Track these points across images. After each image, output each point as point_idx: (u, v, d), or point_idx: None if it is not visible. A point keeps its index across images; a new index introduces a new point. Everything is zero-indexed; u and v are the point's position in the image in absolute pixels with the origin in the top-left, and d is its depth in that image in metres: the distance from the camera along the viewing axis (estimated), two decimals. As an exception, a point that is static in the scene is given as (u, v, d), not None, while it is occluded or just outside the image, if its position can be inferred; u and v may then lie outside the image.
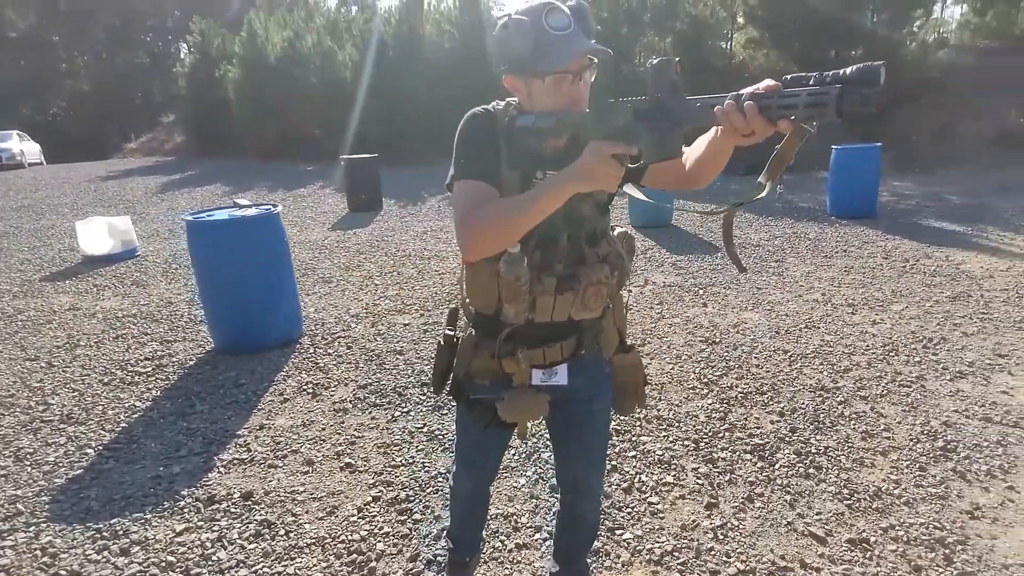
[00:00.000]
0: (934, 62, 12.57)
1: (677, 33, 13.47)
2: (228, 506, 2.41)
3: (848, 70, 0.83)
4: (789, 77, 0.90)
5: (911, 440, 2.69)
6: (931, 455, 2.57)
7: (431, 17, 15.88)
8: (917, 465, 2.51)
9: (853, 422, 2.85)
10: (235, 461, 2.72)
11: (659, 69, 1.01)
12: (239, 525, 2.30)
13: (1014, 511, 2.23)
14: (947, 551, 2.05)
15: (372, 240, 7.20)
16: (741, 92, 0.94)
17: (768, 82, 0.93)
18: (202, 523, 2.32)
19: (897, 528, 2.16)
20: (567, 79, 1.21)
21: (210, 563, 2.11)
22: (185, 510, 2.40)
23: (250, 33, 18.07)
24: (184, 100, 21.38)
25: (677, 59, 1.02)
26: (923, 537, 2.12)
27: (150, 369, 3.74)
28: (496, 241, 1.20)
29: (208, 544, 2.20)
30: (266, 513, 2.36)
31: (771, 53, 13.05)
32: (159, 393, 3.44)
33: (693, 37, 13.27)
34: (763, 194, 1.05)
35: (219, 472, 2.65)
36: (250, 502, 2.43)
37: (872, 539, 2.12)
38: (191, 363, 3.83)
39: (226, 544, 2.20)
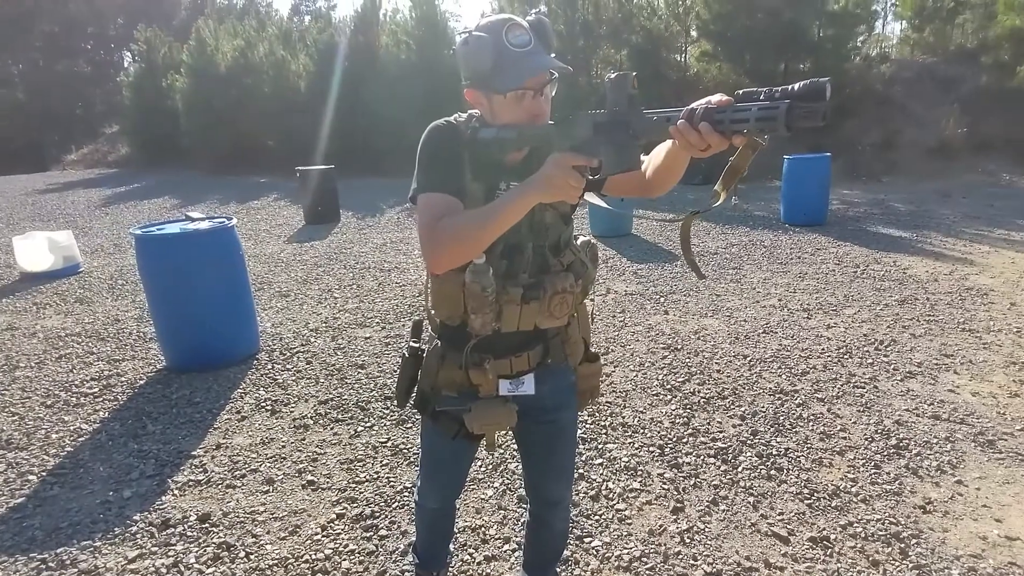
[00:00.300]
0: (877, 75, 13.20)
1: (633, 46, 13.76)
2: (184, 530, 2.31)
3: (796, 86, 0.86)
4: (741, 92, 0.93)
5: (866, 439, 2.79)
6: (885, 453, 2.67)
7: (387, 28, 15.81)
8: (872, 463, 2.60)
9: (811, 423, 2.94)
10: (191, 482, 2.62)
11: (617, 83, 1.05)
12: (196, 549, 2.20)
13: (963, 504, 2.33)
14: (902, 545, 2.13)
15: (330, 252, 7.08)
16: (695, 106, 0.97)
17: (719, 97, 0.96)
18: (156, 548, 2.22)
19: (855, 525, 2.23)
20: (528, 95, 1.23)
21: (166, 591, 2.02)
22: (138, 536, 2.29)
23: (199, 42, 17.63)
24: (129, 110, 20.62)
25: (634, 73, 1.05)
26: (880, 533, 2.19)
27: (97, 390, 3.57)
28: (462, 253, 1.20)
29: (163, 570, 2.10)
30: (225, 535, 2.27)
31: (723, 66, 13.47)
32: (107, 415, 3.28)
33: (648, 50, 13.58)
34: (719, 203, 1.08)
35: (174, 495, 2.54)
36: (207, 524, 2.34)
37: (832, 536, 2.18)
38: (141, 382, 3.68)
39: (183, 569, 2.11)
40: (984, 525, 2.21)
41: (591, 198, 1.28)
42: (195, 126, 17.28)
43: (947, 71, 12.66)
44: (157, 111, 18.73)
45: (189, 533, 2.29)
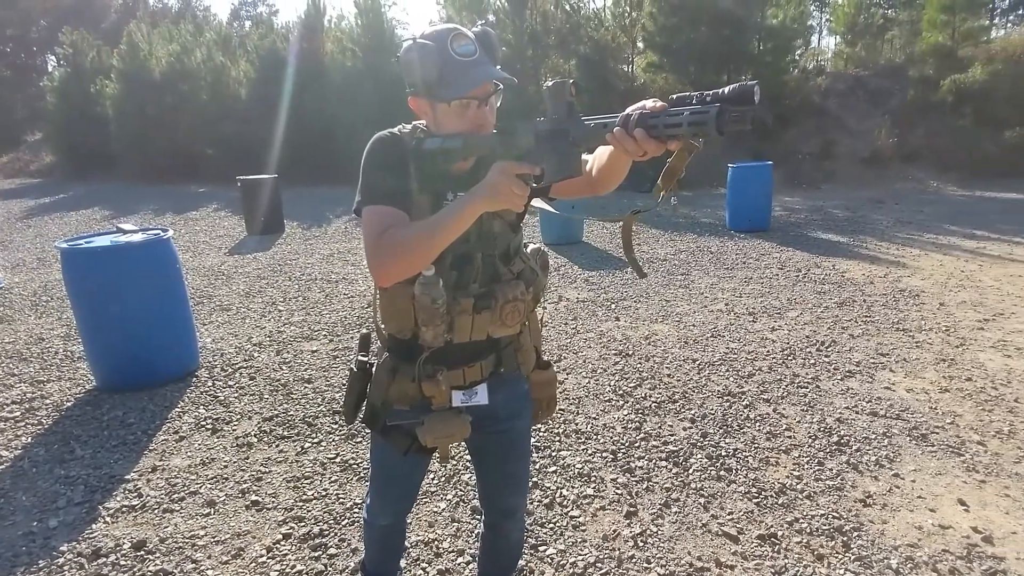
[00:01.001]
0: (813, 87, 13.89)
1: (581, 56, 14.02)
2: (117, 559, 2.17)
3: (726, 90, 0.89)
4: (675, 96, 0.96)
5: (810, 437, 2.88)
6: (827, 450, 2.77)
7: (332, 35, 15.56)
8: (816, 460, 2.69)
9: (758, 424, 3.02)
10: (124, 508, 2.46)
11: (555, 91, 1.07)
12: (131, 580, 2.07)
13: (900, 496, 2.43)
14: (845, 538, 2.20)
15: (274, 264, 6.87)
16: (630, 112, 0.99)
17: (653, 102, 0.99)
18: (86, 581, 2.07)
19: (801, 521, 2.30)
20: (473, 104, 1.22)
21: (96, 626, 1.88)
22: (65, 568, 2.14)
23: (131, 46, 16.90)
24: (53, 116, 19.50)
25: (571, 80, 1.07)
26: (824, 527, 2.26)
27: (18, 414, 3.33)
28: (408, 265, 1.18)
29: (94, 605, 1.97)
30: (162, 563, 2.14)
31: (669, 76, 13.89)
32: (30, 440, 3.06)
33: (596, 60, 13.86)
34: (658, 204, 1.11)
35: (105, 522, 2.39)
36: (143, 552, 2.20)
37: (779, 533, 2.24)
38: (68, 404, 3.46)
39: (115, 603, 1.97)
40: (919, 515, 2.31)
41: (540, 204, 1.28)
42: (127, 133, 16.51)
43: (878, 84, 13.44)
44: (85, 118, 17.79)
45: (122, 562, 2.15)
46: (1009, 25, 18.54)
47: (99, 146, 17.49)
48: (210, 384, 3.65)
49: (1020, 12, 18.91)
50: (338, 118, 13.31)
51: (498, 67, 1.25)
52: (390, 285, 1.25)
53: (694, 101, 0.93)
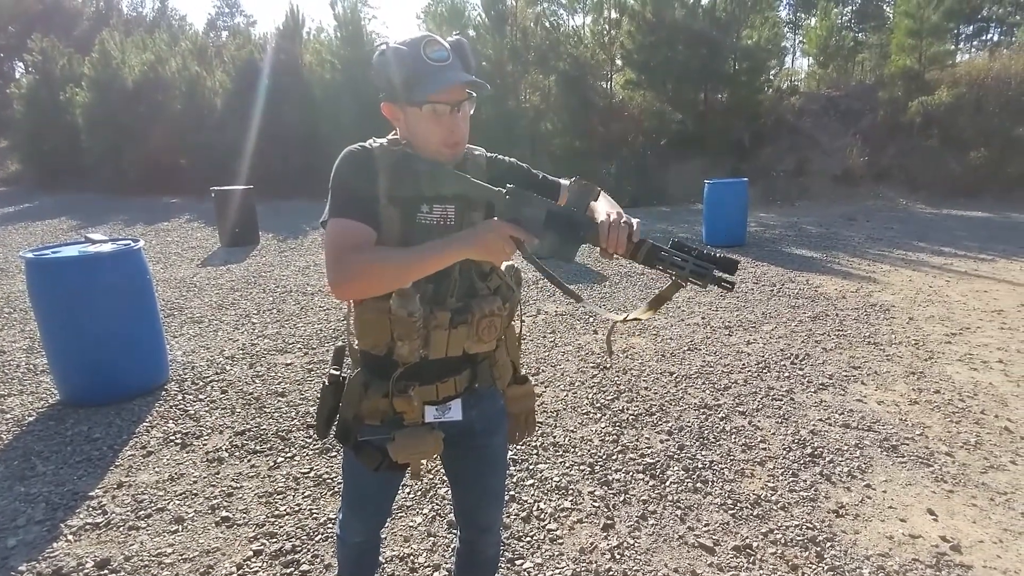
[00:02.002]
0: (788, 106, 14.23)
1: (560, 72, 14.18)
2: (79, 579, 2.09)
3: (718, 254, 1.15)
4: (675, 240, 1.18)
5: (784, 449, 2.91)
6: (801, 462, 2.80)
7: (311, 46, 15.52)
8: (790, 472, 2.72)
9: (734, 436, 3.04)
10: (87, 526, 2.38)
11: (581, 191, 1.20)
12: (93, 600, 2.00)
13: (871, 507, 2.47)
14: (819, 549, 2.22)
15: (248, 276, 6.77)
16: (644, 239, 1.19)
17: (635, 222, 1.20)
18: (45, 603, 2.00)
19: (776, 532, 2.31)
20: (445, 110, 1.22)
21: (55, 649, 1.81)
22: (23, 589, 2.05)
23: (103, 54, 16.64)
24: (20, 124, 19.05)
25: (599, 189, 1.22)
26: (798, 538, 2.28)
27: (-23, 428, 3.22)
28: (371, 287, 1.19)
29: (53, 627, 1.89)
30: (127, 583, 2.08)
31: (647, 94, 14.12)
32: (-11, 455, 2.96)
33: (575, 76, 14.02)
34: (644, 319, 1.28)
35: (67, 540, 2.30)
36: (107, 571, 2.13)
37: (755, 544, 2.25)
38: (30, 419, 3.35)
39: (76, 624, 1.90)
40: (890, 525, 2.35)
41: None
42: (98, 143, 16.20)
43: (849, 104, 13.82)
44: (54, 126, 17.41)
45: (84, 583, 2.08)
46: (973, 50, 19.29)
47: (69, 155, 17.13)
48: (180, 398, 3.57)
49: (983, 38, 19.69)
50: (316, 130, 13.25)
51: (473, 77, 1.25)
52: (344, 300, 1.26)
53: (694, 253, 1.15)
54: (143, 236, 9.11)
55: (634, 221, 1.19)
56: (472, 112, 1.29)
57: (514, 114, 13.78)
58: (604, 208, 1.24)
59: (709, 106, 13.86)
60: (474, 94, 1.25)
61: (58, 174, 17.40)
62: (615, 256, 1.19)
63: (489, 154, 1.41)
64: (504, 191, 1.21)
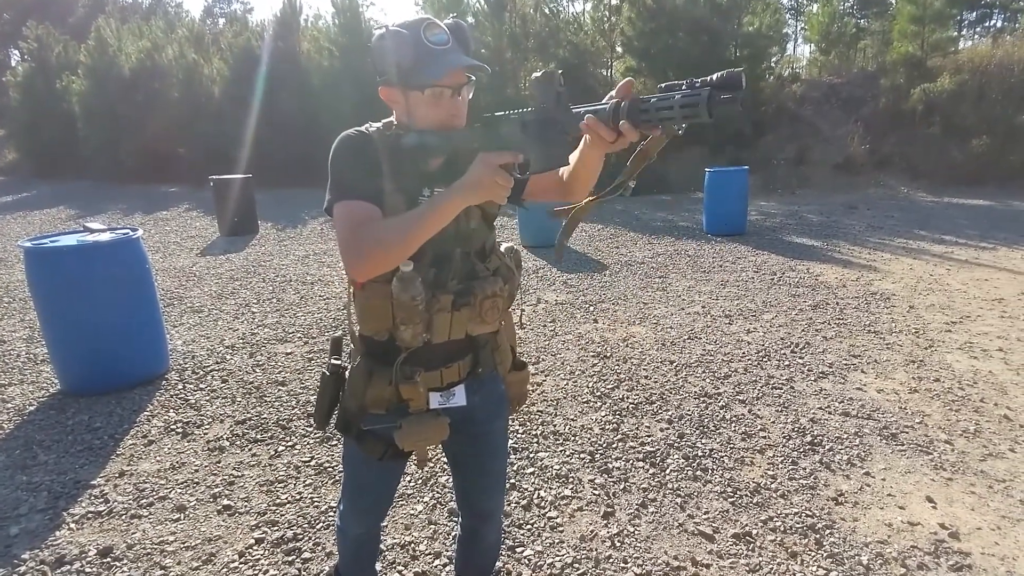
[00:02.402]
0: (789, 94, 14.14)
1: (560, 60, 14.08)
2: (82, 566, 2.11)
3: (714, 76, 0.91)
4: (664, 85, 0.97)
5: (784, 437, 2.92)
6: (801, 450, 2.81)
7: (309, 34, 15.40)
8: (790, 460, 2.72)
9: (734, 424, 3.05)
10: (90, 515, 2.39)
11: (543, 81, 1.05)
12: (96, 588, 2.01)
13: (870, 494, 2.47)
14: (818, 536, 2.23)
15: (248, 265, 6.76)
16: (620, 100, 1.00)
17: (625, 82, 1.02)
18: (48, 590, 2.01)
19: (775, 519, 2.32)
20: (446, 93, 1.21)
21: (59, 636, 1.83)
22: (27, 577, 2.07)
23: (99, 42, 16.52)
24: (17, 113, 18.94)
25: (560, 71, 1.07)
26: (797, 526, 2.29)
27: (-22, 417, 3.22)
28: (386, 259, 1.16)
29: (56, 614, 1.90)
30: (130, 569, 2.09)
31: (648, 81, 14.02)
32: (-10, 444, 2.96)
33: (575, 64, 13.93)
34: (618, 192, 1.11)
35: (70, 529, 2.31)
36: (109, 559, 2.14)
37: (754, 532, 2.26)
38: (31, 408, 3.35)
39: (79, 612, 1.91)
40: (889, 513, 2.36)
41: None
42: (95, 131, 16.12)
43: (851, 92, 13.72)
44: (50, 114, 17.33)
45: (88, 569, 2.09)
46: (976, 37, 19.12)
47: (66, 144, 17.05)
48: (180, 387, 3.57)
49: (986, 24, 19.51)
50: (315, 119, 13.16)
51: (474, 61, 1.24)
52: (365, 280, 1.23)
53: (683, 87, 0.93)
54: (142, 225, 9.10)
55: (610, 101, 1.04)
56: (471, 96, 1.28)
57: (513, 102, 13.68)
58: None
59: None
60: (474, 77, 1.24)
61: (55, 163, 17.34)
62: (608, 143, 1.04)
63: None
64: (479, 124, 1.17)
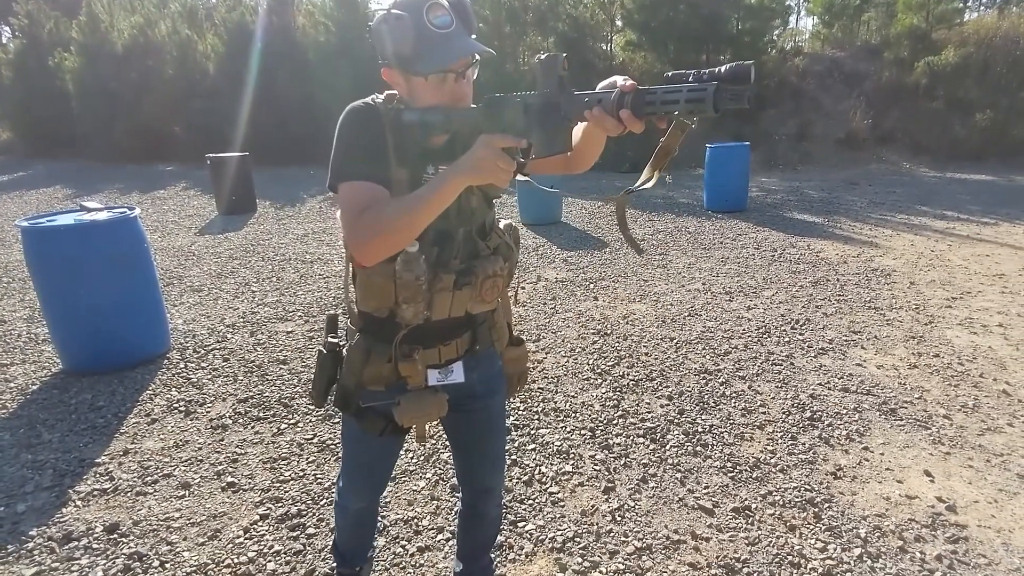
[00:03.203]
0: (791, 68, 13.95)
1: (559, 34, 13.87)
2: (89, 542, 2.13)
3: (722, 69, 0.89)
4: (670, 74, 0.96)
5: (783, 413, 2.94)
6: (800, 425, 2.82)
7: (304, 8, 15.14)
8: (789, 435, 2.74)
9: (734, 400, 3.06)
10: (95, 492, 2.42)
11: (547, 65, 1.04)
12: (104, 562, 2.04)
13: (869, 469, 2.50)
14: (816, 510, 2.25)
15: (247, 244, 6.73)
16: (624, 89, 0.99)
17: (621, 79, 1.00)
18: (57, 564, 2.04)
19: (774, 494, 2.35)
20: (449, 78, 1.18)
21: (68, 610, 1.85)
22: (35, 552, 2.09)
23: (91, 17, 16.20)
24: (9, 91, 18.66)
25: (564, 55, 1.05)
26: (796, 500, 2.31)
27: (-19, 397, 3.24)
28: (393, 243, 1.15)
29: (65, 589, 1.93)
30: (136, 545, 2.11)
31: (648, 55, 13.83)
32: (-6, 423, 2.98)
33: (574, 38, 13.72)
34: (651, 184, 1.09)
35: (76, 506, 2.34)
36: (116, 535, 2.17)
37: (753, 506, 2.28)
38: (34, 388, 3.36)
39: (88, 586, 1.94)
40: (887, 487, 2.38)
41: (524, 178, 1.26)
42: (90, 110, 15.91)
43: (854, 66, 13.55)
44: (43, 92, 17.06)
45: (95, 545, 2.11)
46: (982, 8, 18.81)
47: (60, 123, 16.84)
48: (182, 366, 3.58)
49: (993, -5, 19.17)
50: (311, 96, 13.01)
51: (474, 37, 1.21)
52: (372, 265, 1.21)
53: (690, 79, 0.92)
54: (139, 204, 9.04)
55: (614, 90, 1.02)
56: (475, 76, 1.26)
57: (512, 78, 13.52)
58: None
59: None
60: (479, 57, 1.22)
61: (50, 142, 17.15)
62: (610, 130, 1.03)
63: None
64: (482, 105, 1.15)
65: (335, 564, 1.78)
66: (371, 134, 1.21)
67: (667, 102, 0.94)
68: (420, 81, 1.18)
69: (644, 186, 1.11)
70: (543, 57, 1.04)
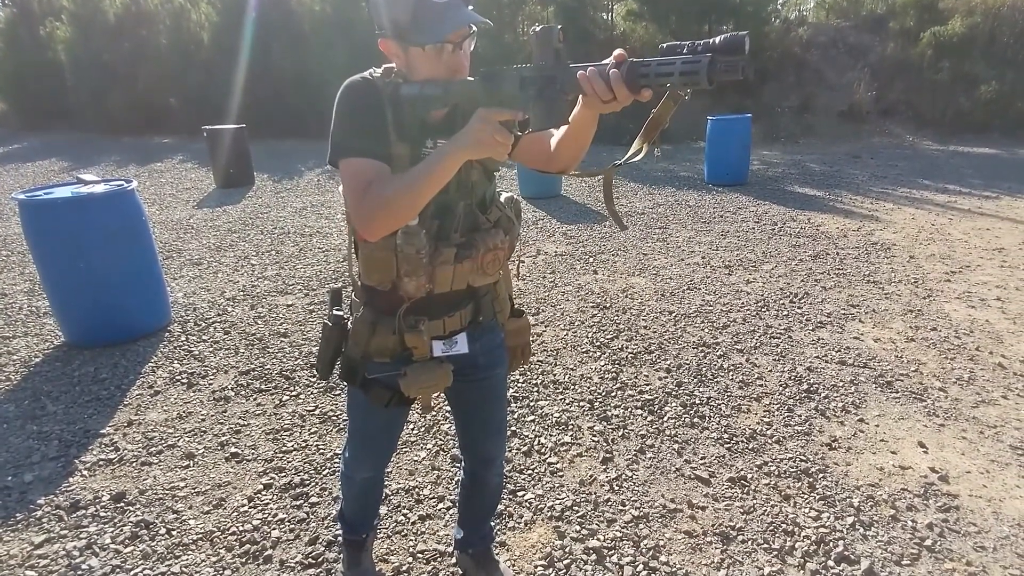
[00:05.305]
0: (795, 38, 13.71)
1: (559, 3, 13.60)
2: (97, 510, 2.17)
3: (716, 40, 0.89)
4: (665, 46, 0.95)
5: (780, 386, 2.96)
6: (797, 397, 2.85)
7: (299, -23, 14.82)
8: (786, 407, 2.77)
9: (731, 373, 3.09)
10: (101, 462, 2.45)
11: (543, 37, 1.03)
12: (111, 529, 2.08)
13: (863, 440, 2.53)
14: (811, 480, 2.29)
15: (245, 217, 6.71)
16: (620, 61, 0.98)
17: (617, 51, 0.99)
18: (66, 531, 2.08)
19: (770, 464, 2.38)
20: (447, 48, 1.18)
21: (80, 572, 1.90)
22: (44, 520, 2.13)
23: (82, -15, 15.91)
24: (2, 62, 18.37)
25: (560, 27, 1.04)
26: (791, 470, 2.35)
27: (-16, 369, 3.26)
28: (397, 219, 1.17)
29: (76, 553, 1.97)
30: (143, 513, 2.15)
31: (649, 26, 13.56)
32: (-1, 395, 3.01)
33: (574, 7, 13.45)
34: (640, 156, 1.10)
35: (82, 476, 2.37)
36: (123, 503, 2.20)
37: (749, 476, 2.32)
38: (37, 360, 3.38)
39: (97, 551, 1.98)
40: (881, 457, 2.42)
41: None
42: (83, 82, 15.69)
43: (858, 37, 13.32)
44: (36, 64, 16.79)
45: (102, 514, 2.15)
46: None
47: (54, 95, 16.61)
48: (183, 339, 3.60)
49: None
50: (308, 68, 12.82)
51: (471, 7, 1.20)
52: (377, 239, 1.22)
53: (684, 51, 0.92)
54: (136, 177, 8.97)
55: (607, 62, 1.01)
56: (472, 47, 1.25)
57: (511, 49, 13.31)
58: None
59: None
60: (474, 29, 1.21)
61: (45, 114, 16.93)
62: (604, 102, 1.01)
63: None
64: (478, 78, 1.15)
65: (341, 532, 1.81)
66: (370, 110, 1.20)
67: (661, 74, 0.93)
68: (417, 52, 1.18)
69: (634, 159, 1.11)
70: (539, 29, 1.03)
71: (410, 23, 1.15)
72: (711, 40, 0.89)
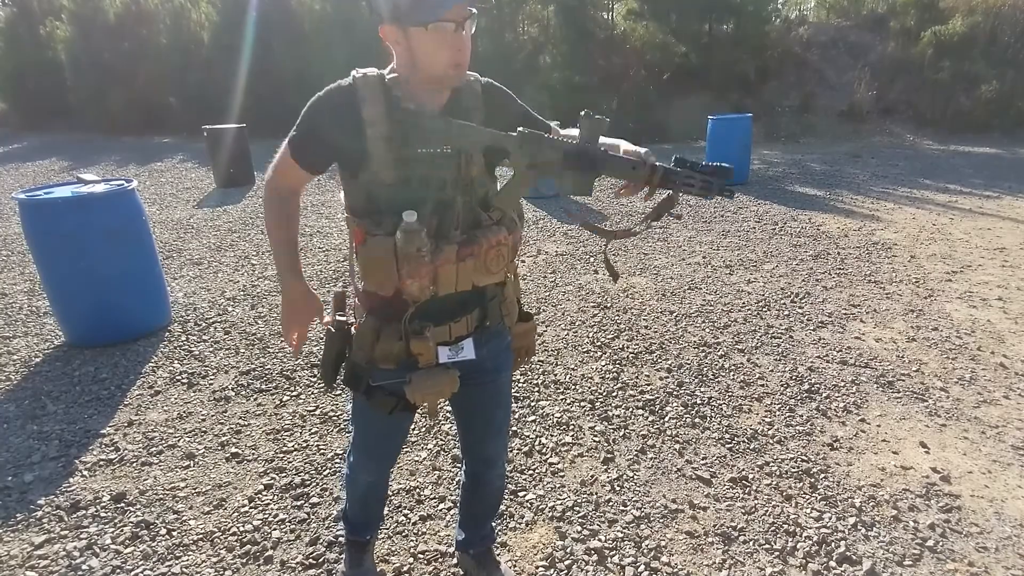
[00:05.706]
0: (795, 38, 13.69)
1: (559, 3, 13.57)
2: (97, 511, 2.17)
3: (713, 164, 1.26)
4: (676, 157, 1.27)
5: (782, 385, 2.96)
6: (798, 397, 2.85)
7: (299, -24, 14.80)
8: (787, 407, 2.77)
9: (732, 373, 3.09)
10: (101, 462, 2.45)
11: (593, 125, 1.22)
12: (112, 529, 2.08)
13: (864, 440, 2.53)
14: (812, 480, 2.29)
15: (245, 217, 6.70)
16: (656, 164, 1.26)
17: (651, 157, 1.29)
18: (66, 532, 2.07)
19: (771, 464, 2.38)
20: (448, 28, 1.17)
21: (80, 572, 1.89)
22: (44, 520, 2.13)
23: (82, -15, 15.89)
24: (2, 62, 18.35)
25: (608, 120, 1.24)
26: (792, 470, 2.34)
27: (-15, 369, 3.26)
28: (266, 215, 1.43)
29: (76, 553, 1.97)
30: (143, 514, 2.15)
31: (650, 25, 13.52)
32: (-1, 395, 3.00)
33: (575, 7, 13.42)
34: (642, 230, 1.40)
35: (83, 476, 2.37)
36: (123, 504, 2.20)
37: (750, 476, 2.32)
38: (37, 360, 3.38)
39: (98, 551, 1.98)
40: (883, 458, 2.41)
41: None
42: (83, 81, 15.68)
43: (859, 36, 13.30)
44: (36, 63, 16.78)
45: (103, 514, 2.15)
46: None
47: (54, 94, 16.60)
48: (184, 339, 3.59)
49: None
50: (308, 67, 12.80)
51: None
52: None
53: (687, 165, 1.26)
54: (137, 177, 8.97)
55: (643, 151, 1.29)
56: (473, 31, 1.24)
57: (511, 47, 13.30)
58: (611, 142, 1.30)
59: (714, 38, 13.33)
60: (475, 11, 1.20)
61: (45, 114, 16.92)
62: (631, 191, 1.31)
63: (484, 79, 1.37)
64: (516, 136, 1.22)
65: (344, 532, 1.81)
66: (333, 120, 1.23)
67: (685, 184, 1.26)
68: (420, 32, 1.17)
69: (639, 231, 1.41)
70: (595, 117, 1.22)
71: (409, 2, 1.14)
72: (711, 164, 1.27)
